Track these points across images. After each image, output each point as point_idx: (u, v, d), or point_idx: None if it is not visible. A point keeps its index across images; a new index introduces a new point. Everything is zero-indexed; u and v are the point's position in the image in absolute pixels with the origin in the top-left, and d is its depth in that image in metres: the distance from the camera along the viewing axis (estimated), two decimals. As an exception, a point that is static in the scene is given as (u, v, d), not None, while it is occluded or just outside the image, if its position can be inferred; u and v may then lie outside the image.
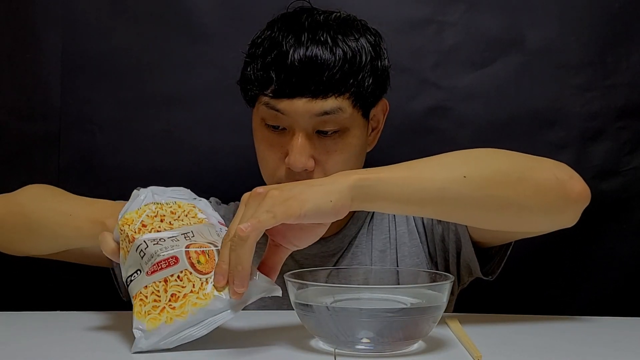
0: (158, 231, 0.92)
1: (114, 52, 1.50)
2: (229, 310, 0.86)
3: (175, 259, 0.89)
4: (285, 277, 0.90)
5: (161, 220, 0.94)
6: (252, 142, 1.18)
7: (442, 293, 0.88)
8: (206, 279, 0.87)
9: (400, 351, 0.88)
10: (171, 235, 0.92)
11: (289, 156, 1.10)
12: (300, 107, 1.07)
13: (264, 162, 1.16)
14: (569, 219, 1.01)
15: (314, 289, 0.90)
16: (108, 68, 1.50)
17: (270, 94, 1.08)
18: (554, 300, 1.50)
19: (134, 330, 0.86)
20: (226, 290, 0.86)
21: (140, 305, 0.87)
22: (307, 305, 0.87)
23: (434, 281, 0.92)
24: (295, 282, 0.89)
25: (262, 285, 0.88)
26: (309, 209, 0.86)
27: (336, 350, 0.87)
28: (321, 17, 1.11)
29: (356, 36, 1.10)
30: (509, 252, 1.14)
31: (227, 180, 1.44)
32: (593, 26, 1.47)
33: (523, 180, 0.96)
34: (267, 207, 0.86)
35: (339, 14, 1.14)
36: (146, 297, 0.88)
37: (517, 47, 1.48)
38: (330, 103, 1.07)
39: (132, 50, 1.50)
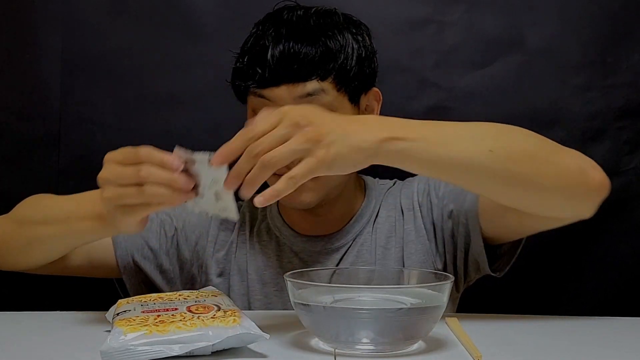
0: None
1: (114, 52, 1.50)
2: (210, 344, 0.85)
3: (175, 309, 0.91)
4: (286, 277, 0.90)
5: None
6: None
7: (442, 293, 0.88)
8: (198, 317, 0.88)
9: (400, 351, 0.88)
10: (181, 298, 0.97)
11: None
12: (284, 92, 1.12)
13: None
14: (587, 208, 1.03)
15: (314, 288, 0.90)
16: (108, 68, 1.50)
17: (255, 85, 1.13)
18: (554, 300, 1.50)
19: (111, 332, 0.86)
20: (212, 325, 0.86)
21: (126, 323, 0.87)
22: (307, 305, 0.87)
23: (434, 281, 0.92)
24: (295, 282, 0.89)
25: (224, 205, 0.90)
26: (336, 166, 0.90)
27: (336, 350, 0.87)
28: (301, 12, 1.17)
29: (336, 25, 1.15)
30: (519, 249, 1.16)
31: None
32: (593, 26, 1.47)
33: (547, 162, 0.99)
34: (299, 157, 0.88)
35: (320, 8, 1.19)
36: (134, 319, 0.88)
37: (517, 47, 1.48)
38: (312, 85, 1.12)
39: (132, 50, 1.50)
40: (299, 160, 0.89)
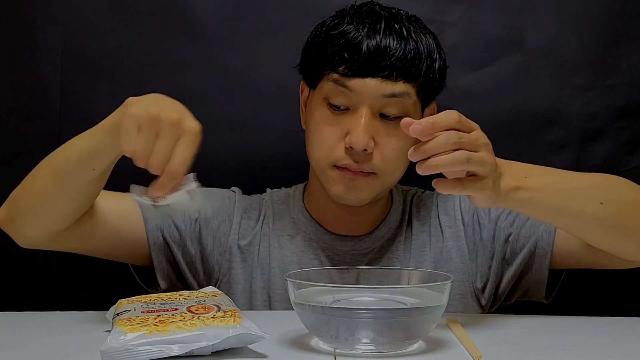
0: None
1: (114, 52, 1.50)
2: (210, 344, 0.85)
3: (175, 309, 0.91)
4: (285, 277, 0.90)
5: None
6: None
7: (442, 293, 0.88)
8: (198, 317, 0.88)
9: (400, 351, 0.88)
10: (181, 298, 0.97)
11: (351, 134, 1.11)
12: (371, 86, 1.10)
13: (320, 141, 1.15)
14: None
15: (314, 288, 0.90)
16: (108, 68, 1.50)
17: (342, 72, 1.11)
18: (554, 300, 1.50)
19: (111, 332, 0.86)
20: (212, 325, 0.87)
21: (127, 323, 0.88)
22: (307, 305, 0.87)
23: (434, 281, 0.92)
24: (295, 282, 0.89)
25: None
26: (478, 197, 0.94)
27: (336, 350, 0.87)
28: (393, 10, 1.17)
29: (423, 32, 1.15)
30: (563, 276, 1.21)
31: (227, 180, 1.44)
32: (593, 26, 1.47)
33: None
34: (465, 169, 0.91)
35: (405, 11, 1.18)
36: (134, 319, 0.88)
37: (517, 47, 1.48)
38: (400, 86, 1.11)
39: (132, 50, 1.50)
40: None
